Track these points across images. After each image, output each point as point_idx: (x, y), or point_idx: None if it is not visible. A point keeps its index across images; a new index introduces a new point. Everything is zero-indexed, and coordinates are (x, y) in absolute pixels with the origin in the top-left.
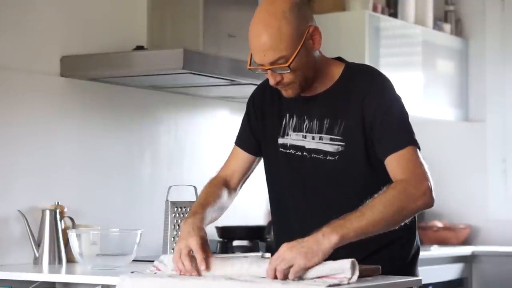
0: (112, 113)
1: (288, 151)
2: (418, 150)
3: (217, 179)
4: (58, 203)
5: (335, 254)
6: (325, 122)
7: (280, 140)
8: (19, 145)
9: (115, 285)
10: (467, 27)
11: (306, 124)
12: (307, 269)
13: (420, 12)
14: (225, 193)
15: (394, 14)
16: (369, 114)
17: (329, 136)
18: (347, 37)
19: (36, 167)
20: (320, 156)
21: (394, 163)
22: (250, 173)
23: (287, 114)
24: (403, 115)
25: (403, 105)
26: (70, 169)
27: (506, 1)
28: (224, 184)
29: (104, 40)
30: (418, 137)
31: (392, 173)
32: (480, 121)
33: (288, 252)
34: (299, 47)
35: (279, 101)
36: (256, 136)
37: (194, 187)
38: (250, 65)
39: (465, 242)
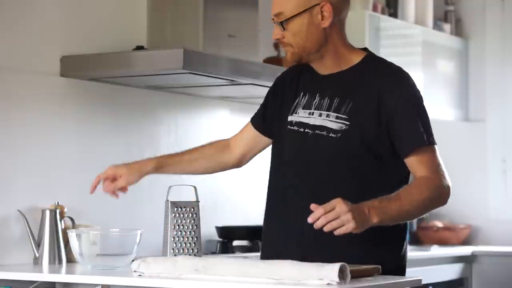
0: (112, 113)
1: (293, 127)
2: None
3: (219, 141)
4: (58, 203)
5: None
6: (335, 101)
7: (290, 118)
8: (19, 145)
9: (115, 285)
10: (467, 27)
11: (316, 102)
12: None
13: (420, 12)
14: (213, 149)
15: (394, 14)
16: (389, 104)
17: (335, 114)
18: (347, 37)
19: (36, 167)
20: (323, 133)
21: (421, 158)
22: (255, 150)
23: (301, 93)
24: (427, 114)
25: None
26: (70, 169)
27: (506, 1)
28: (223, 144)
29: (104, 40)
30: None
31: (418, 168)
32: (480, 121)
33: (345, 212)
34: (300, 12)
35: (297, 81)
36: (267, 114)
37: (194, 187)
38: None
39: (465, 242)
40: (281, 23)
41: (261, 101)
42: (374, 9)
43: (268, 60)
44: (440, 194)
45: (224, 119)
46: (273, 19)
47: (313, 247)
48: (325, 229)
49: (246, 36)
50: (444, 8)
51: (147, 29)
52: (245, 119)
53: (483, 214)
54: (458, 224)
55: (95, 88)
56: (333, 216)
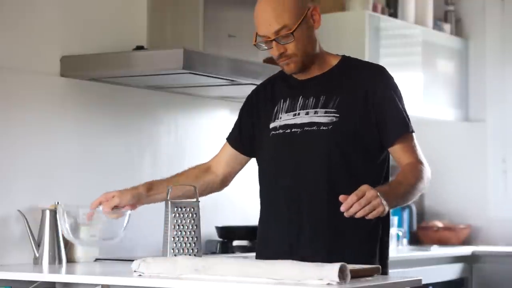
0: (112, 113)
1: (277, 132)
2: None
3: (201, 164)
4: (58, 203)
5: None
6: (321, 99)
7: (272, 125)
8: (19, 145)
9: (115, 285)
10: (467, 27)
11: (300, 103)
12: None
13: (420, 12)
14: (196, 171)
15: (394, 14)
16: (376, 97)
17: (324, 110)
18: (347, 37)
19: (36, 167)
20: (313, 128)
21: (405, 146)
22: (237, 168)
23: (281, 100)
24: (404, 103)
25: None
26: (70, 169)
27: (506, 1)
28: (205, 167)
29: (104, 40)
30: (418, 137)
31: (403, 155)
32: (480, 121)
33: (375, 197)
34: (301, 18)
35: (271, 91)
36: (242, 131)
37: (194, 187)
38: (255, 42)
39: (465, 242)
40: (292, 34)
41: None
42: (374, 9)
43: (268, 60)
44: (427, 177)
45: (224, 119)
46: (269, 38)
47: (308, 247)
48: (358, 215)
49: (246, 36)
50: (444, 8)
51: (147, 29)
52: None
53: (483, 214)
54: (458, 224)
55: (95, 88)
56: (365, 202)
